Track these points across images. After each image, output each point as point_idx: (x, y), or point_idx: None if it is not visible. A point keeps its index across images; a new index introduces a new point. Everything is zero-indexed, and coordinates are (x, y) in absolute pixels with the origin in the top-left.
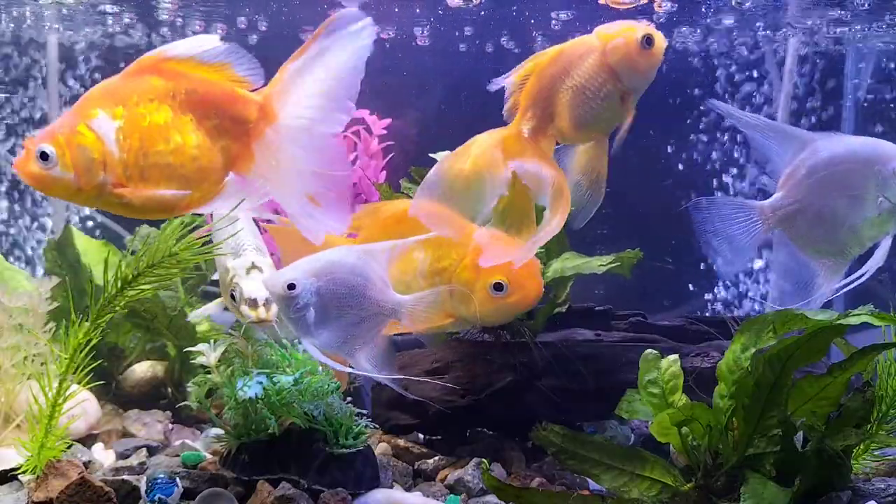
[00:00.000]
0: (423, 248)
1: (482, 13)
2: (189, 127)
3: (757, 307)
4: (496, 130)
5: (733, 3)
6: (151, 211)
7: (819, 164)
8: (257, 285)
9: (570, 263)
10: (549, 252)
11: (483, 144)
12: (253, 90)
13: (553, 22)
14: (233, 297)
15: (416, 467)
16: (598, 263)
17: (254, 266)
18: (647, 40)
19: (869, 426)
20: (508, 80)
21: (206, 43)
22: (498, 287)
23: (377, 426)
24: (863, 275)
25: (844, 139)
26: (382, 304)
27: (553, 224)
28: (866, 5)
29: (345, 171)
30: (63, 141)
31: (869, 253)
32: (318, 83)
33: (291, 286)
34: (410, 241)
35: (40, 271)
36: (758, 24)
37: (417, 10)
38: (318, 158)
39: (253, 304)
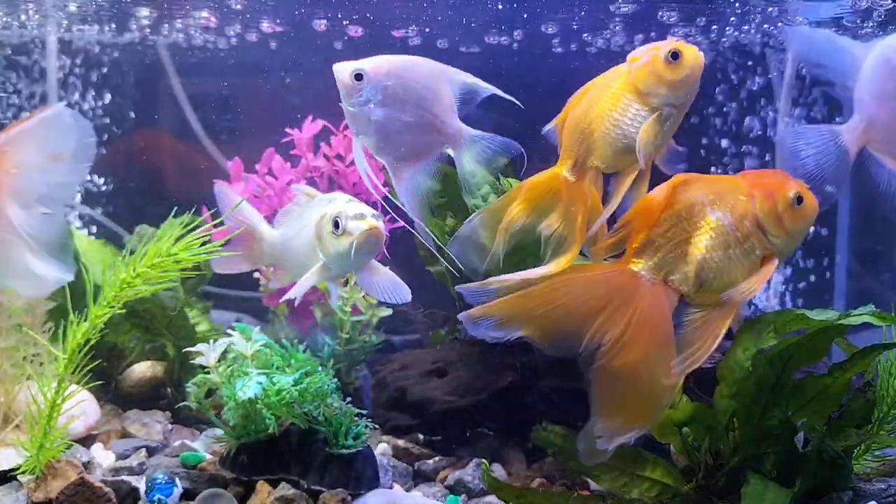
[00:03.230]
0: (706, 219)
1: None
2: None
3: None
4: (542, 173)
5: None
6: None
7: (883, 75)
8: (361, 205)
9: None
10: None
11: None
12: None
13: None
14: (336, 224)
15: (416, 468)
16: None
17: (350, 200)
18: (673, 54)
19: (870, 426)
20: (551, 124)
21: None
22: (799, 199)
23: (377, 426)
24: None
25: None
26: (443, 125)
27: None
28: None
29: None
30: None
31: None
32: (27, 154)
33: (358, 76)
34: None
35: None
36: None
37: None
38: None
39: (360, 216)
